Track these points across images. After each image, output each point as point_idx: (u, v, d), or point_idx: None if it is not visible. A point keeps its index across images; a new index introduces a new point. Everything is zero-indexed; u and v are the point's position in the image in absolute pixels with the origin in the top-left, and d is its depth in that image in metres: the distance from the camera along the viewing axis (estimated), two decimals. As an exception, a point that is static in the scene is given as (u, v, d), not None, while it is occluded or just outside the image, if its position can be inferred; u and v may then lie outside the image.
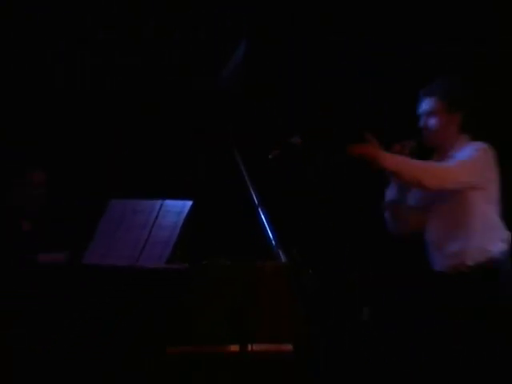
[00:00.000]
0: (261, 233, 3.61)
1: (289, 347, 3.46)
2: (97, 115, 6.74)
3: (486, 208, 4.08)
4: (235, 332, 3.34)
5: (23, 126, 6.56)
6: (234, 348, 3.38)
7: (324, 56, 7.16)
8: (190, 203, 3.65)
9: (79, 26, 6.78)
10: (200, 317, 3.40)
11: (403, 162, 3.99)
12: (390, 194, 4.22)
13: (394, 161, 3.94)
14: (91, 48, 6.81)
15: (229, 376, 3.37)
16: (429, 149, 4.30)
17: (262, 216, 3.61)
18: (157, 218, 3.71)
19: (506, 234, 4.15)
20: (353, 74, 7.12)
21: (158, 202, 3.73)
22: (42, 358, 4.90)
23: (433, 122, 4.21)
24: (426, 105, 4.27)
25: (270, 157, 3.85)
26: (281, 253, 3.58)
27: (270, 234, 3.60)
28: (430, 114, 4.24)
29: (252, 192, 3.67)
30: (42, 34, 6.66)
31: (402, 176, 4.00)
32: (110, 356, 3.79)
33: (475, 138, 4.25)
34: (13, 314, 5.45)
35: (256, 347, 3.36)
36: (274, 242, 3.58)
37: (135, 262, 3.67)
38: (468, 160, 4.06)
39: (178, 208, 3.68)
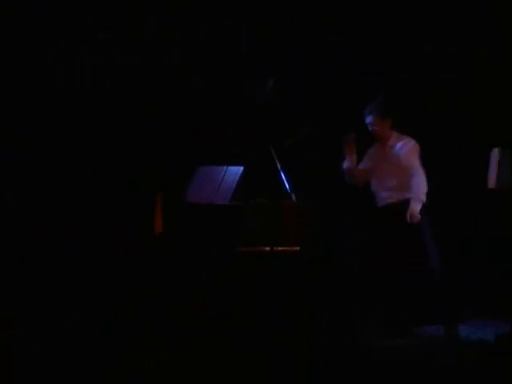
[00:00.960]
0: (281, 184, 5.91)
1: (296, 248, 5.60)
2: (97, 115, 6.75)
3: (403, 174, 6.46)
4: (268, 240, 5.55)
5: (23, 126, 6.56)
6: (267, 248, 5.57)
7: (324, 56, 7.17)
8: (242, 168, 5.84)
9: (79, 26, 6.78)
10: (250, 231, 5.61)
11: (417, 202, 6.37)
12: (345, 164, 6.58)
13: (418, 205, 6.35)
14: (91, 48, 6.81)
15: (265, 263, 5.52)
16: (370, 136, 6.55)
17: (283, 175, 5.93)
18: (223, 176, 5.88)
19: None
20: (353, 74, 7.13)
21: (224, 167, 5.91)
22: (42, 358, 4.91)
23: (374, 127, 6.47)
24: (368, 119, 6.45)
25: (287, 142, 6.10)
26: (293, 196, 5.88)
27: (287, 185, 5.90)
28: (371, 124, 6.46)
29: (277, 161, 5.96)
30: (42, 33, 6.66)
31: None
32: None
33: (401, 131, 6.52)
34: (13, 314, 5.47)
35: (279, 248, 5.57)
36: (289, 190, 5.90)
37: (212, 201, 5.82)
38: (415, 164, 6.42)
39: (235, 170, 5.87)
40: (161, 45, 7.03)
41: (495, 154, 6.08)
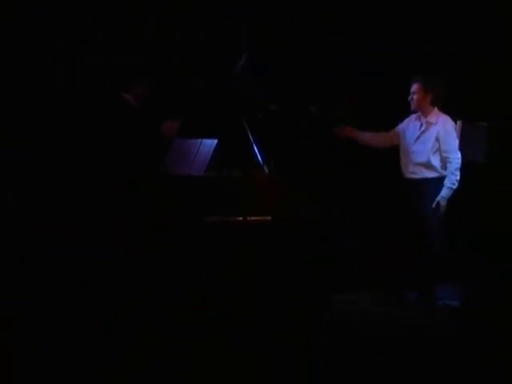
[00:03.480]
0: (255, 157, 6.10)
1: (268, 218, 5.86)
2: (97, 115, 6.74)
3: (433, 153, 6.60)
4: (241, 210, 5.79)
5: (23, 126, 6.56)
6: (239, 218, 5.81)
7: (324, 56, 7.17)
8: (215, 141, 6.02)
9: (79, 26, 6.78)
10: (224, 201, 5.81)
11: (449, 190, 6.49)
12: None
13: (449, 193, 6.48)
14: (91, 48, 6.81)
15: (237, 232, 5.78)
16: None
17: (255, 147, 6.10)
18: (198, 149, 6.07)
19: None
20: (353, 74, 7.13)
21: (199, 140, 6.10)
22: (42, 358, 4.91)
23: (414, 96, 6.59)
24: (412, 87, 6.58)
25: (259, 115, 6.35)
26: (265, 167, 6.07)
27: (260, 158, 6.07)
28: (413, 92, 6.59)
29: (249, 134, 6.13)
30: (42, 33, 6.66)
31: None
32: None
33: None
34: (13, 314, 5.47)
35: (251, 218, 5.81)
36: (262, 162, 6.07)
37: (189, 172, 6.02)
38: (454, 148, 6.51)
39: (210, 143, 6.05)
40: (161, 45, 7.03)
41: (458, 126, 6.35)
